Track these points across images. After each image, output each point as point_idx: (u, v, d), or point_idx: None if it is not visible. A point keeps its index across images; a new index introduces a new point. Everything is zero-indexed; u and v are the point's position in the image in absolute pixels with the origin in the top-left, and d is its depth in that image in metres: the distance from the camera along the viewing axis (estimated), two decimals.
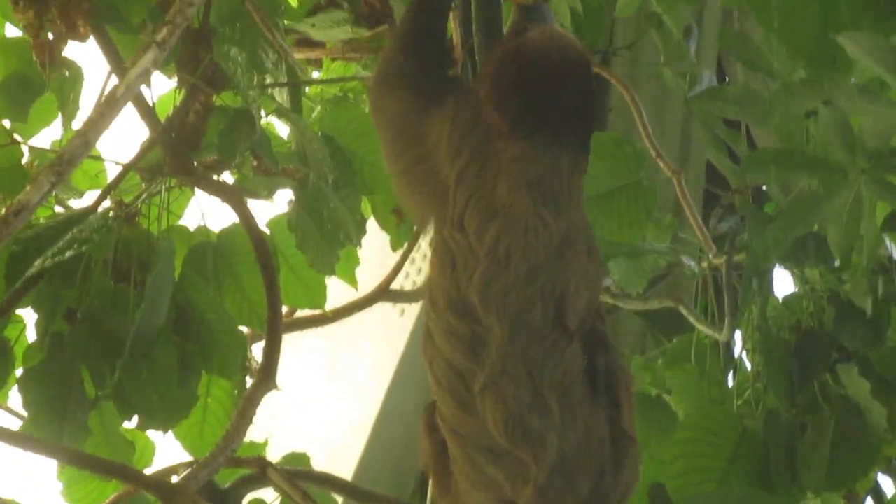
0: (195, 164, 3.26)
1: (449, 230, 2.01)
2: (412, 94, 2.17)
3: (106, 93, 2.67)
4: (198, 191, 3.32)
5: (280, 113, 3.50)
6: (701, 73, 3.19)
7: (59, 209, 3.41)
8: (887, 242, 3.22)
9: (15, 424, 2.98)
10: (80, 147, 2.10)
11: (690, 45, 3.22)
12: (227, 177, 3.46)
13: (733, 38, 3.11)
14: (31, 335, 3.10)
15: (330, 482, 3.47)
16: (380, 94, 2.30)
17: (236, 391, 3.21)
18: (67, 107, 3.30)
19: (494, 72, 2.13)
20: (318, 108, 4.33)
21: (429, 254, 2.23)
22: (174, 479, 2.87)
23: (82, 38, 3.10)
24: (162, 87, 3.57)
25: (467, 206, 2.00)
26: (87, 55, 3.26)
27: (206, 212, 3.37)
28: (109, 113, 2.16)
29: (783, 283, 4.96)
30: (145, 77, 2.23)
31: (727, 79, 5.07)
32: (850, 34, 2.11)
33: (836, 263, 3.16)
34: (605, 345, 2.12)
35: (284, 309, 3.54)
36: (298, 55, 4.11)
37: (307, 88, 4.29)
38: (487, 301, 1.97)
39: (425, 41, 2.22)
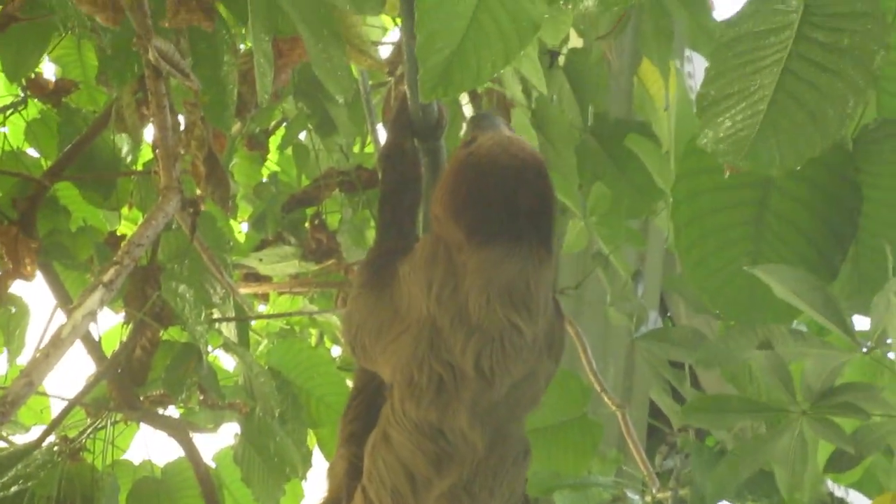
0: (141, 398, 3.24)
1: (436, 355, 2.00)
2: (382, 290, 2.18)
3: (51, 329, 2.66)
4: (143, 425, 3.28)
5: (227, 347, 3.49)
6: (647, 315, 3.26)
7: (2, 444, 3.35)
8: (828, 481, 3.24)
9: None
10: (24, 388, 2.07)
11: (638, 287, 3.28)
12: (173, 411, 3.46)
13: (678, 282, 3.19)
14: None
15: None
16: (357, 302, 2.29)
17: None
18: (13, 343, 3.30)
19: (447, 184, 2.11)
20: (265, 341, 4.36)
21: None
22: None
23: (29, 277, 3.13)
24: (108, 322, 3.58)
25: (452, 327, 2.01)
26: (33, 290, 3.28)
27: (151, 446, 3.33)
28: (54, 354, 2.13)
29: None
30: (91, 317, 2.22)
31: (668, 313, 5.18)
32: (771, 267, 2.22)
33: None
34: None
35: None
36: (245, 290, 4.17)
37: (254, 322, 4.34)
38: (474, 419, 1.95)
39: (400, 227, 2.27)
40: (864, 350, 2.23)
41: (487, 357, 1.97)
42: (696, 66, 3.86)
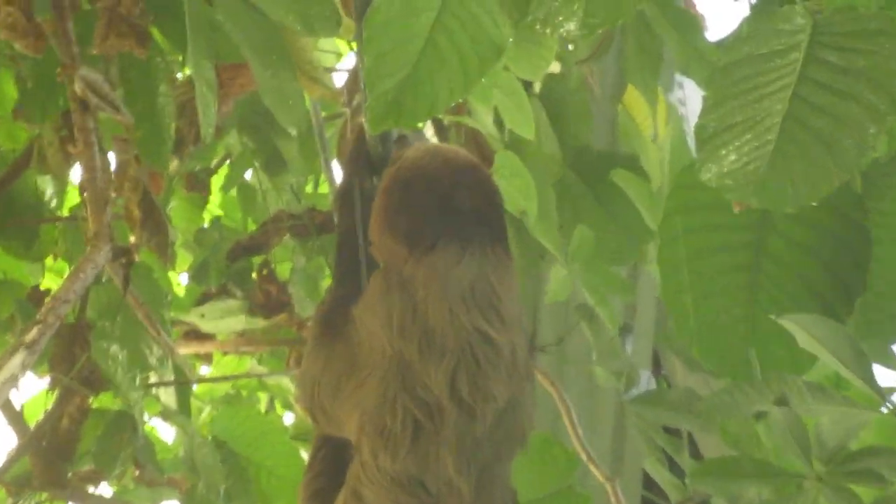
0: (69, 475, 3.20)
1: (409, 394, 1.98)
2: (336, 340, 2.17)
3: None
4: None
5: (166, 415, 3.46)
6: (638, 374, 3.25)
7: None
8: None
9: None
10: None
11: (627, 343, 3.27)
12: (106, 488, 3.40)
13: (672, 336, 3.18)
14: None
15: None
16: (310, 359, 2.28)
17: None
18: None
19: (377, 206, 2.12)
20: (208, 408, 4.32)
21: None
22: None
23: None
24: (31, 388, 3.55)
25: (421, 354, 1.97)
26: None
27: None
28: None
29: None
30: (12, 383, 2.20)
31: (663, 372, 5.18)
32: (798, 317, 2.19)
33: None
34: None
35: None
36: (186, 350, 4.13)
37: (196, 387, 4.30)
38: (460, 461, 1.94)
39: (357, 275, 2.26)
40: (888, 408, 2.23)
41: (463, 379, 1.95)
42: (688, 92, 3.90)
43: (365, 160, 2.31)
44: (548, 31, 2.00)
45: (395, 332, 2.00)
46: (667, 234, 2.38)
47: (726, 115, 2.03)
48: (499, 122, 3.32)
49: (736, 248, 2.36)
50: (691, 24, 2.84)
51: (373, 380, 2.01)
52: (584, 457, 3.43)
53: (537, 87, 3.33)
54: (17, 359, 2.19)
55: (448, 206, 2.04)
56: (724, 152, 2.03)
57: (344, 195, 2.32)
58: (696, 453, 4.39)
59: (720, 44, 2.71)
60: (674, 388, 3.82)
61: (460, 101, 2.24)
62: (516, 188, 2.96)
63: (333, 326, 2.14)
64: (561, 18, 1.98)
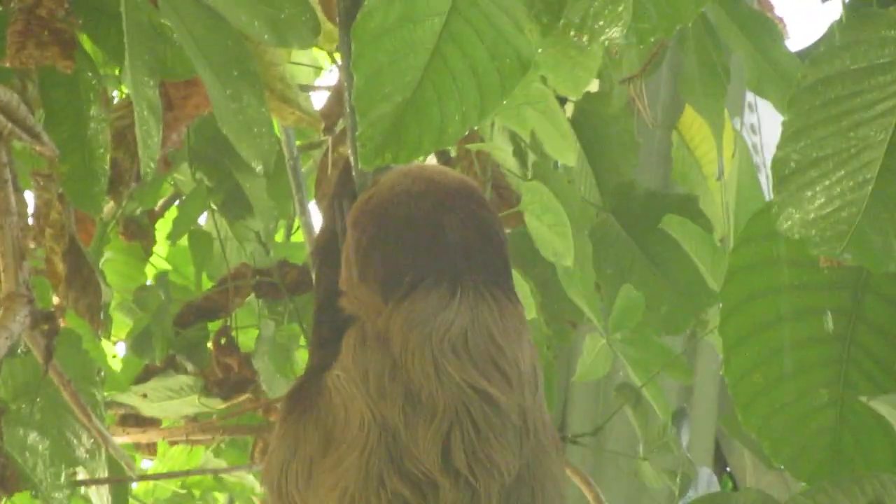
0: None
1: (397, 469, 1.95)
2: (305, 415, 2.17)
3: None
4: None
5: None
6: (696, 472, 3.21)
7: None
8: None
9: None
10: None
11: (681, 433, 3.26)
12: None
13: (737, 421, 3.16)
14: None
15: None
16: (277, 444, 2.28)
17: None
18: None
19: (348, 242, 2.13)
20: None
21: None
22: None
23: None
24: None
25: (405, 419, 1.96)
26: None
27: None
28: None
29: None
30: None
31: (727, 468, 5.14)
32: (888, 398, 2.18)
33: None
34: None
35: None
36: (123, 439, 4.11)
37: (136, 485, 4.28)
38: None
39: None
40: None
41: (458, 446, 1.94)
42: (763, 115, 3.89)
43: (351, 201, 2.27)
44: (585, 38, 1.98)
45: (374, 393, 1.99)
46: (732, 297, 2.36)
47: (812, 146, 2.02)
48: (519, 154, 3.30)
49: (821, 314, 2.33)
50: (767, 30, 2.84)
51: (353, 455, 2.00)
52: None
53: (569, 109, 3.31)
54: None
55: (433, 240, 2.03)
56: (809, 194, 2.02)
57: (324, 245, 2.30)
58: None
59: (805, 55, 2.70)
60: (743, 489, 3.79)
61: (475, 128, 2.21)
62: (548, 227, 2.94)
63: (302, 400, 2.13)
64: (602, 23, 1.97)
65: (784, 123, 2.06)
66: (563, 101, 3.34)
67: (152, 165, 2.48)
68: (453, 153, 3.45)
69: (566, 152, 2.98)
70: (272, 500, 2.13)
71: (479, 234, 2.06)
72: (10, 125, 2.49)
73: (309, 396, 2.11)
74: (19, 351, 3.24)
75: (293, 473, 2.09)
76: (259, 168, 2.58)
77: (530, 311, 3.02)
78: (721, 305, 2.41)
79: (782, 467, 2.41)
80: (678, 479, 3.25)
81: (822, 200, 2.00)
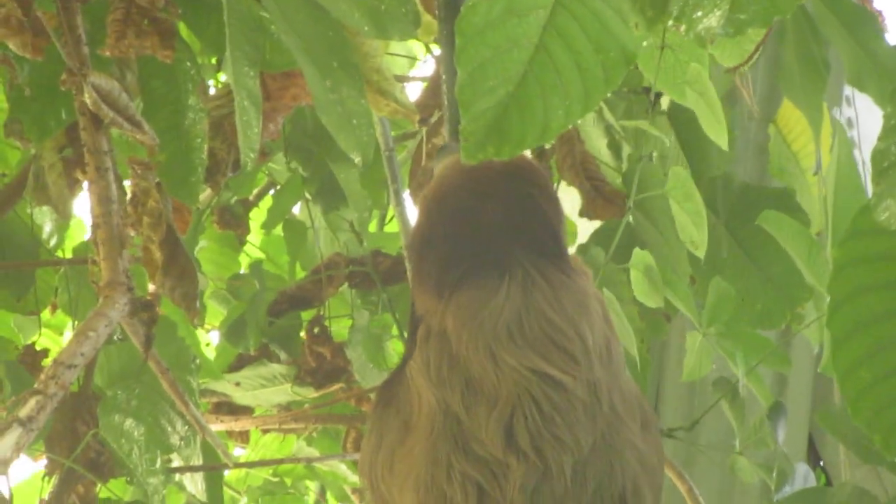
0: None
1: (464, 453, 1.96)
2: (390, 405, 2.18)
3: None
4: None
5: None
6: (792, 467, 3.19)
7: None
8: None
9: None
10: None
11: (778, 428, 3.23)
12: None
13: (835, 419, 3.13)
14: None
15: None
16: (368, 434, 2.29)
17: None
18: None
19: (409, 245, 2.15)
20: (244, 500, 4.32)
21: None
22: None
23: None
24: (23, 472, 3.57)
25: (466, 405, 1.98)
26: None
27: None
28: None
29: None
30: (4, 467, 2.20)
31: (821, 462, 5.10)
32: None
33: None
34: None
35: None
36: (217, 427, 4.13)
37: (229, 473, 4.30)
38: None
39: None
40: None
41: (522, 428, 1.95)
42: (860, 110, 3.85)
43: None
44: (682, 28, 1.97)
45: (435, 381, 2.01)
46: (840, 292, 2.32)
47: None
48: (614, 146, 3.29)
49: None
50: (867, 22, 2.81)
51: (422, 442, 2.02)
52: None
53: (666, 101, 3.30)
54: (10, 438, 2.18)
55: (477, 230, 2.05)
56: None
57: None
58: None
59: None
60: (839, 485, 3.76)
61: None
62: (689, 213, 2.93)
63: (391, 392, 2.15)
64: (700, 13, 1.96)
65: (885, 115, 2.03)
66: (657, 95, 3.33)
67: (252, 155, 2.48)
68: (547, 146, 3.44)
69: (720, 134, 2.95)
70: (368, 492, 2.15)
71: (524, 212, 2.07)
72: (111, 114, 2.51)
73: (395, 387, 2.13)
74: (115, 338, 3.28)
75: (379, 464, 2.10)
76: (357, 159, 2.58)
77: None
78: (828, 300, 2.39)
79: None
80: (774, 474, 3.23)
81: None
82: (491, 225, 2.03)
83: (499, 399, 1.96)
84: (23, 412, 2.23)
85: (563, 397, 1.96)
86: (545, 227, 2.08)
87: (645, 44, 1.92)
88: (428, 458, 1.99)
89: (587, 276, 2.15)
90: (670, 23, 1.98)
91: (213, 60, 3.12)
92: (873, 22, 2.82)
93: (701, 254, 2.98)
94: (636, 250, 2.93)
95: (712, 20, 1.96)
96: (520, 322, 1.99)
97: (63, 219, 3.50)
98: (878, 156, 2.02)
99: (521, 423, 1.95)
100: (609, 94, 1.99)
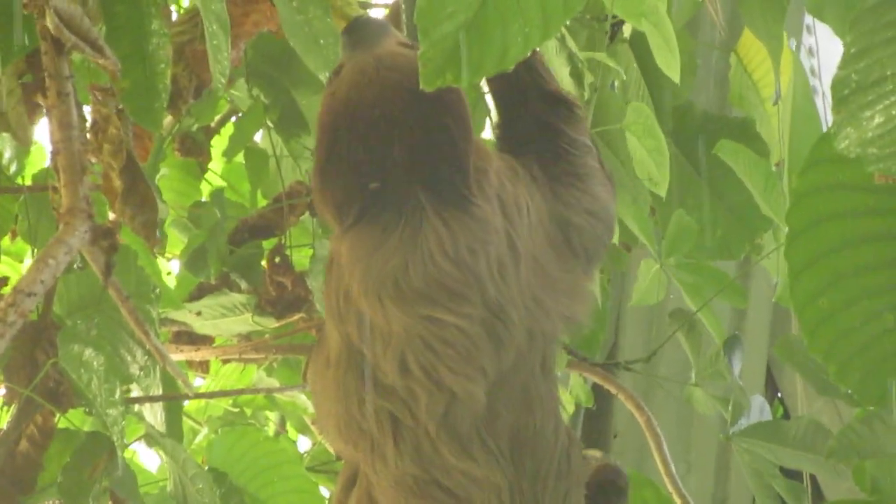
0: None
1: (370, 383, 2.03)
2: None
3: None
4: None
5: (151, 439, 3.46)
6: (748, 400, 3.21)
7: None
8: None
9: None
10: None
11: (734, 360, 3.24)
12: None
13: (793, 350, 3.14)
14: None
15: None
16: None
17: None
18: None
19: (315, 148, 2.14)
20: (204, 430, 4.33)
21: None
22: None
23: None
24: None
25: (362, 337, 2.00)
26: None
27: None
28: None
29: None
30: None
31: (778, 394, 5.13)
32: None
33: None
34: None
35: None
36: (177, 356, 4.14)
37: (188, 403, 4.31)
38: (471, 445, 1.99)
39: None
40: None
41: (416, 367, 1.98)
42: (820, 38, 3.86)
43: None
44: None
45: (336, 315, 2.05)
46: (798, 222, 2.35)
47: (872, 66, 2.00)
48: (576, 76, 3.30)
49: (889, 238, 2.32)
50: None
51: (332, 378, 2.07)
52: (678, 501, 3.42)
53: (627, 31, 3.30)
54: None
55: (381, 159, 2.03)
56: (867, 114, 2.00)
57: None
58: (819, 501, 4.38)
59: None
60: (795, 418, 3.81)
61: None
62: (648, 151, 2.94)
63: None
64: None
65: (845, 44, 2.05)
66: (617, 24, 3.33)
67: (223, 80, 2.48)
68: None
69: (672, 66, 2.95)
70: (320, 425, 2.24)
71: (431, 148, 2.05)
72: (73, 38, 2.49)
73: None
74: (75, 266, 3.27)
75: (322, 411, 2.17)
76: (323, 77, 2.57)
77: None
78: (787, 230, 2.41)
79: (851, 392, 2.42)
80: (730, 407, 3.25)
81: (881, 120, 1.99)
82: (397, 158, 2.02)
83: (391, 337, 1.99)
84: None
85: (456, 334, 1.99)
86: (452, 162, 2.06)
87: None
88: (340, 394, 2.05)
89: (491, 187, 2.13)
90: None
91: None
92: None
93: (662, 192, 2.98)
94: None
95: None
96: (406, 271, 1.99)
97: (23, 145, 3.50)
98: (837, 84, 2.04)
99: (413, 360, 1.99)
100: (570, 22, 1.99)
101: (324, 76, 2.56)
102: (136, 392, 3.51)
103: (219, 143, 4.32)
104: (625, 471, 2.44)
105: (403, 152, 2.02)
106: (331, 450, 2.48)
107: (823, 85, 3.54)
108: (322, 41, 2.53)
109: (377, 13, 3.83)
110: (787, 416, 5.10)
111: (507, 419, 2.02)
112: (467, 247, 2.03)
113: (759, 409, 3.35)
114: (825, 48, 3.79)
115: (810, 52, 3.89)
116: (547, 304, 2.11)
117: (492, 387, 2.00)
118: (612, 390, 3.68)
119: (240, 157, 4.25)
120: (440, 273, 2.00)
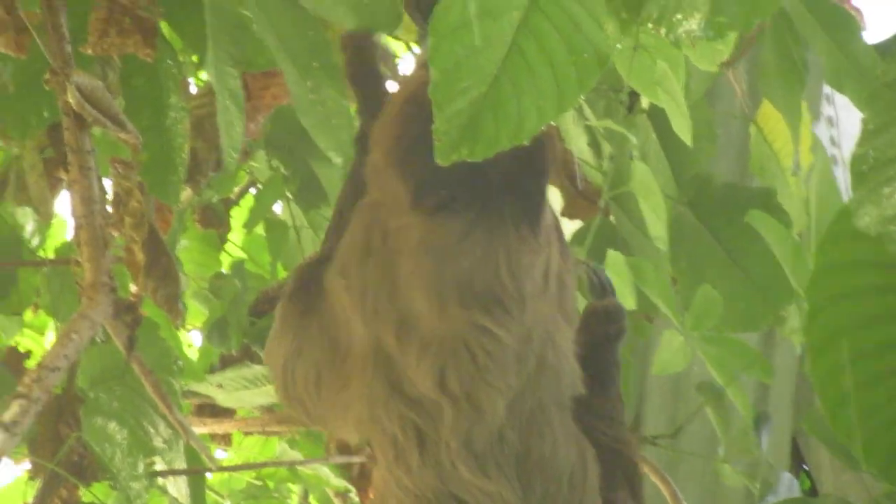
0: None
1: (399, 394, 2.04)
2: (308, 314, 2.20)
3: None
4: None
5: None
6: (776, 474, 3.18)
7: None
8: None
9: None
10: None
11: (763, 435, 3.21)
12: None
13: (820, 424, 3.11)
14: None
15: None
16: (278, 330, 2.29)
17: None
18: None
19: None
20: (228, 503, 4.31)
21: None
22: None
23: None
24: (6, 476, 3.57)
25: (399, 344, 2.02)
26: None
27: None
28: None
29: None
30: None
31: (804, 466, 5.10)
32: None
33: None
34: None
35: None
36: (199, 429, 4.13)
37: (211, 476, 4.29)
38: (484, 462, 2.00)
39: None
40: None
41: (454, 375, 1.99)
42: (839, 108, 3.86)
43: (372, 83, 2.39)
44: (662, 31, 1.99)
45: (370, 315, 2.05)
46: (819, 297, 2.32)
47: (891, 142, 2.00)
48: (594, 145, 3.31)
49: None
50: (845, 23, 2.81)
51: (358, 376, 2.07)
52: None
53: (645, 101, 3.31)
54: None
55: (475, 165, 1.98)
56: (887, 190, 2.01)
57: (361, 137, 2.35)
58: None
59: (884, 49, 2.68)
60: (822, 496, 3.77)
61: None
62: (650, 208, 2.95)
63: (306, 298, 2.19)
64: (680, 16, 1.97)
65: (863, 120, 2.04)
66: (635, 94, 3.34)
67: (235, 155, 2.49)
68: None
69: (686, 132, 2.95)
70: (276, 389, 2.22)
71: (524, 163, 2.08)
72: (94, 113, 2.51)
73: (312, 296, 2.17)
74: (98, 339, 3.27)
75: (301, 375, 2.16)
76: (338, 160, 2.59)
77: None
78: (807, 306, 2.39)
79: (873, 471, 2.40)
80: (759, 483, 3.23)
81: None
82: (494, 161, 1.95)
83: (433, 343, 2.00)
84: (6, 416, 2.24)
85: (497, 346, 2.01)
86: (538, 179, 2.11)
87: (619, 46, 1.91)
88: (365, 398, 2.05)
89: (549, 244, 2.17)
90: (650, 25, 1.99)
91: (195, 58, 3.12)
92: (851, 22, 2.81)
93: (663, 246, 2.98)
94: (609, 251, 2.95)
95: (692, 23, 1.98)
96: (473, 275, 2.02)
97: (44, 220, 3.52)
98: (856, 161, 2.02)
99: (453, 371, 2.00)
100: (588, 93, 2.00)
101: (336, 157, 2.57)
102: (159, 465, 3.51)
103: (239, 215, 4.35)
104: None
105: (501, 160, 1.98)
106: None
107: (843, 154, 3.54)
108: (334, 121, 2.54)
109: (396, 87, 3.87)
110: (813, 489, 5.06)
111: (512, 441, 2.02)
112: (525, 264, 2.06)
113: (787, 485, 3.32)
114: (845, 117, 3.80)
115: (830, 121, 3.89)
116: (558, 343, 2.14)
117: (511, 403, 2.02)
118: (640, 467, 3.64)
119: (260, 229, 4.26)
120: (501, 286, 2.03)
